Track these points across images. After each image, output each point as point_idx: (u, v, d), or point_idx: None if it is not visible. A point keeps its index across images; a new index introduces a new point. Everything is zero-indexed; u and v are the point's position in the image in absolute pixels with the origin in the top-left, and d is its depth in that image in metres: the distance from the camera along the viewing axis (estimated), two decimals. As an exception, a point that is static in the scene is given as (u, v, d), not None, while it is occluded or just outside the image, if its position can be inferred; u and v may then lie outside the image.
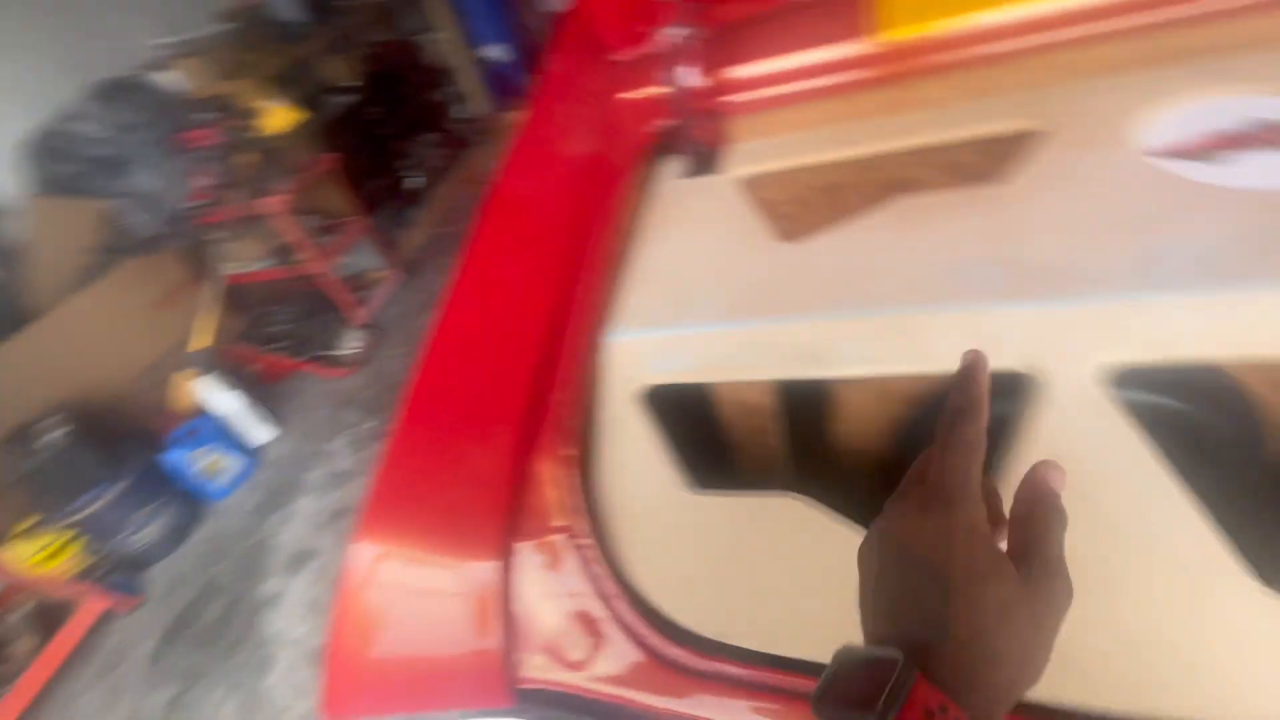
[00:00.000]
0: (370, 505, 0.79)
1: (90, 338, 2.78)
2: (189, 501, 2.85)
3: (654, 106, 1.06)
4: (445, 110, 4.90)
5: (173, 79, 3.15)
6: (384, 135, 4.48)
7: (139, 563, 2.70)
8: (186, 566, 2.70)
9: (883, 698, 0.34)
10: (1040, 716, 0.54)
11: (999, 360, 0.68)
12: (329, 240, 3.41)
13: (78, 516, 2.42)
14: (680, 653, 0.68)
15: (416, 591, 0.75)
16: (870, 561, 0.42)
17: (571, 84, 1.21)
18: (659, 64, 0.97)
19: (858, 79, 1.00)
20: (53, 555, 2.51)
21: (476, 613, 0.72)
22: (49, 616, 2.48)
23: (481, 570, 0.72)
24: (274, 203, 2.94)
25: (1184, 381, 0.70)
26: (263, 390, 3.23)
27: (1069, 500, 0.41)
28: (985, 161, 0.92)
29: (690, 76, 0.97)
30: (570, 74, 1.23)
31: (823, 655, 0.64)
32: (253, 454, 3.07)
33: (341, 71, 4.22)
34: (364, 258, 3.78)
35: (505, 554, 0.74)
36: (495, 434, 0.80)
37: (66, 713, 2.29)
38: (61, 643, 2.36)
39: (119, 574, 2.65)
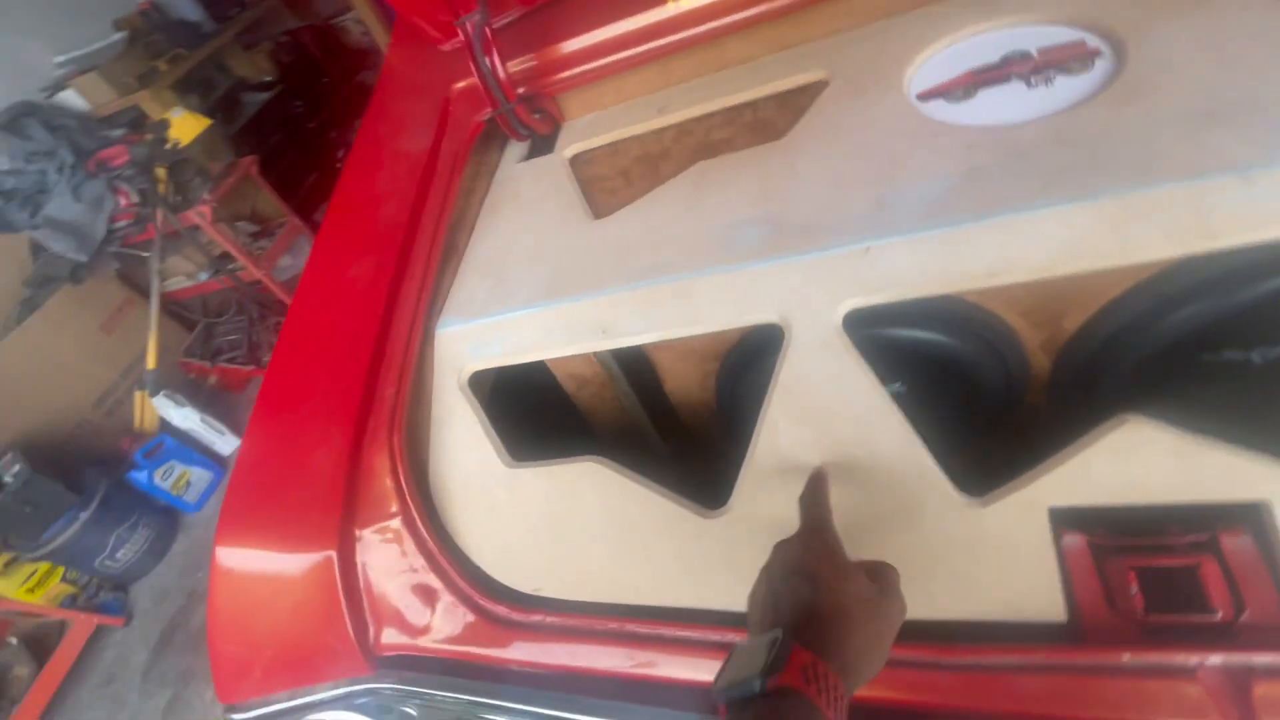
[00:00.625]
0: (226, 510, 0.86)
1: (37, 371, 2.81)
2: (164, 517, 2.94)
3: (483, 95, 1.08)
4: (373, 93, 4.79)
5: (77, 97, 3.08)
6: (313, 127, 4.40)
7: (122, 581, 2.80)
8: (170, 579, 2.81)
9: (768, 660, 0.45)
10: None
11: (759, 314, 0.74)
12: (265, 244, 3.40)
13: (51, 547, 2.50)
14: (503, 609, 0.76)
15: (275, 584, 0.83)
16: (760, 583, 0.55)
17: (407, 76, 1.23)
18: (466, 53, 0.99)
19: (667, 44, 1.02)
20: (38, 585, 2.61)
21: (326, 596, 0.80)
22: (43, 641, 2.60)
23: (323, 559, 0.80)
24: (198, 214, 2.92)
25: (910, 316, 0.76)
26: (226, 400, 3.27)
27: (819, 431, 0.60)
28: (784, 115, 0.96)
29: (494, 63, 1.00)
30: (406, 66, 1.24)
31: (622, 597, 0.73)
32: (222, 463, 3.14)
33: (255, 67, 4.11)
34: (305, 256, 3.77)
35: (346, 542, 0.81)
36: (333, 431, 0.86)
37: (73, 726, 2.43)
38: (58, 664, 2.48)
39: (105, 594, 2.75)
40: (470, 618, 0.77)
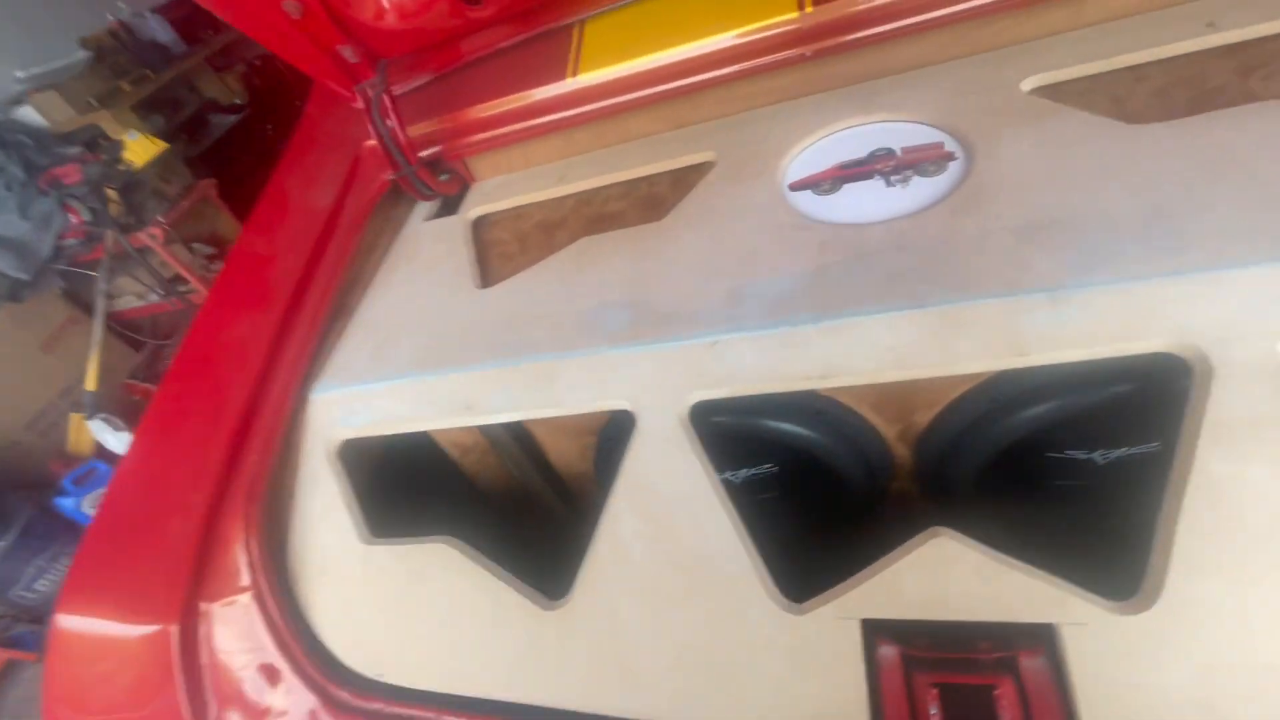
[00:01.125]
0: (70, 579, 0.83)
1: (-32, 391, 2.72)
2: (91, 545, 2.84)
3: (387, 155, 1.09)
4: (346, 119, 4.81)
5: (34, 114, 3.05)
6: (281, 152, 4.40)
7: (40, 614, 2.69)
8: (91, 611, 2.70)
9: None
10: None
11: (612, 400, 0.75)
12: (220, 268, 3.36)
13: (-37, 575, 2.40)
14: (345, 694, 0.74)
15: (113, 657, 0.80)
16: None
17: (323, 129, 1.24)
18: (365, 116, 1.01)
19: (569, 116, 1.04)
20: (-52, 614, 2.50)
21: (164, 673, 0.77)
22: (-51, 676, 2.48)
23: (162, 632, 0.77)
24: (149, 235, 2.89)
25: (768, 408, 0.77)
26: (166, 424, 3.19)
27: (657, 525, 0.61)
28: (675, 192, 0.98)
29: (394, 127, 1.01)
30: (323, 118, 1.25)
31: (461, 688, 0.71)
32: (158, 490, 3.05)
33: (225, 89, 4.12)
34: (264, 280, 3.73)
35: (189, 615, 0.78)
36: (191, 498, 0.84)
37: (-29, 769, 2.30)
38: (-39, 700, 2.36)
39: (20, 627, 2.64)
40: (313, 702, 0.75)
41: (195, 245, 3.38)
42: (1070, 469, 0.78)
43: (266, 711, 0.77)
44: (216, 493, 0.84)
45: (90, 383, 2.99)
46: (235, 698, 0.78)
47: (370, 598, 0.78)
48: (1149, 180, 0.66)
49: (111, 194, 2.88)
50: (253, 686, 0.78)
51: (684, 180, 0.99)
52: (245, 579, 0.80)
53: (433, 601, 0.75)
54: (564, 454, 0.97)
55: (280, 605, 0.78)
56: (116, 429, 2.91)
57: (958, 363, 0.62)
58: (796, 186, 0.86)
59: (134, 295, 3.35)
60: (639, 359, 0.74)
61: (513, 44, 1.08)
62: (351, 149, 1.19)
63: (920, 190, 0.78)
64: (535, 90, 1.05)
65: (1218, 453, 0.53)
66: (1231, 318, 0.56)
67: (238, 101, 4.14)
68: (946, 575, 0.58)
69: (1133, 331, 0.58)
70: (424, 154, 1.10)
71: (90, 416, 2.87)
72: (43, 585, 2.65)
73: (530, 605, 0.70)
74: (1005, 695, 0.54)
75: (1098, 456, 0.76)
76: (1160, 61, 0.80)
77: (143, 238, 2.91)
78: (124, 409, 3.07)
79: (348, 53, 0.98)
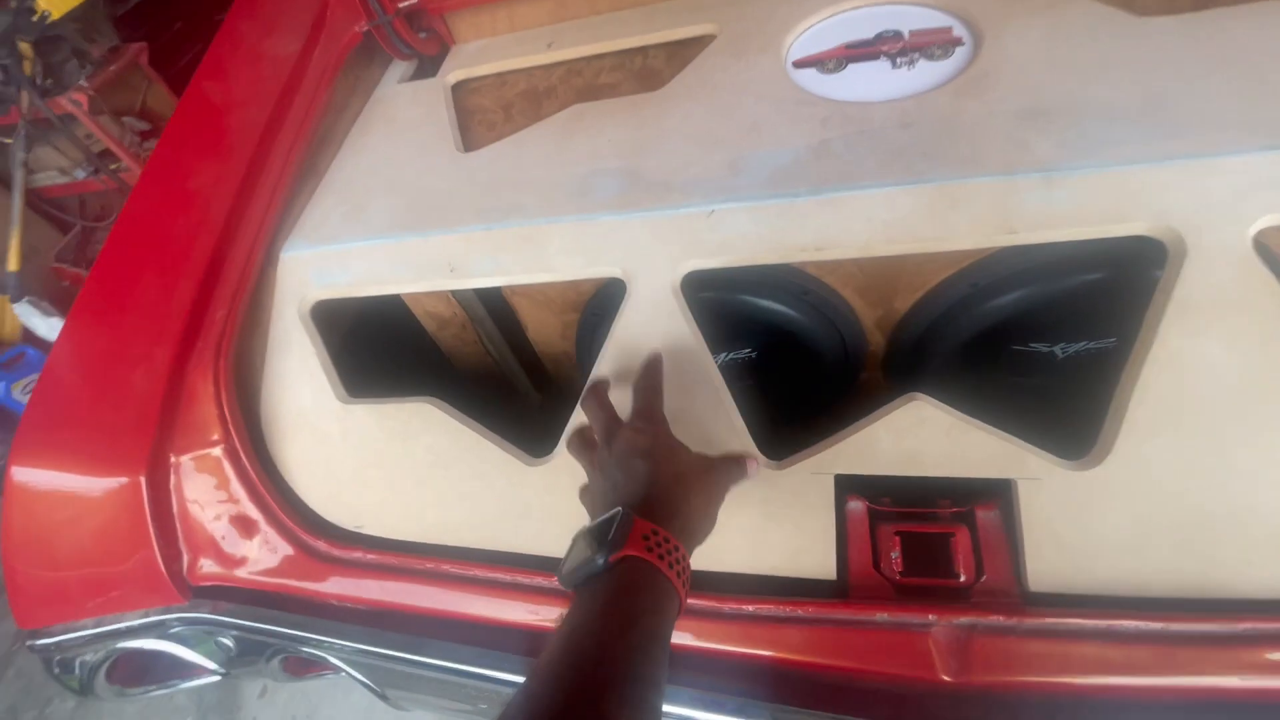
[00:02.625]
0: (22, 432, 0.80)
1: None
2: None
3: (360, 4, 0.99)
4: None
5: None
6: (220, 19, 3.97)
7: (-26, 497, 2.60)
8: (30, 498, 2.62)
9: (611, 535, 0.46)
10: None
11: (603, 267, 0.74)
12: (155, 145, 3.09)
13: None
14: (323, 544, 0.74)
15: (78, 507, 0.78)
16: (595, 479, 0.57)
17: (282, -28, 1.12)
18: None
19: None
20: None
21: (134, 523, 0.76)
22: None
23: (130, 483, 0.76)
24: (71, 101, 2.61)
25: (757, 285, 0.78)
26: (101, 313, 3.00)
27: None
28: (671, 66, 0.93)
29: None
30: (282, -40, 1.13)
31: (441, 538, 0.73)
32: (96, 380, 2.92)
33: (153, -59, 3.64)
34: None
35: (158, 467, 0.77)
36: (154, 350, 0.80)
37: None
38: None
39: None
40: (289, 551, 0.75)
41: (126, 119, 3.08)
42: (1032, 362, 0.82)
43: (243, 560, 0.78)
44: (181, 348, 0.81)
45: (12, 262, 2.77)
46: (209, 548, 0.78)
47: (348, 455, 0.78)
48: (1151, 71, 0.67)
49: (24, 48, 2.56)
50: (227, 538, 0.78)
51: (681, 54, 0.94)
52: (216, 434, 0.78)
53: (415, 458, 0.75)
54: (545, 330, 0.96)
55: (253, 459, 0.77)
56: (46, 313, 2.74)
57: (949, 239, 0.64)
58: (801, 64, 0.84)
59: (58, 171, 3.06)
60: (633, 226, 0.73)
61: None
62: (316, -4, 1.08)
63: (925, 73, 0.77)
64: (526, -60, 0.96)
65: (1178, 328, 0.56)
66: (1212, 203, 0.58)
67: (167, -43, 3.68)
68: (917, 436, 0.61)
69: (1118, 214, 0.60)
70: (401, 6, 1.01)
71: (15, 299, 2.68)
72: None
73: (514, 461, 0.71)
74: (960, 542, 0.59)
75: (1058, 350, 0.80)
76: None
77: (64, 103, 2.62)
78: (53, 293, 2.87)
79: None
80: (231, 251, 0.86)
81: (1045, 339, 0.80)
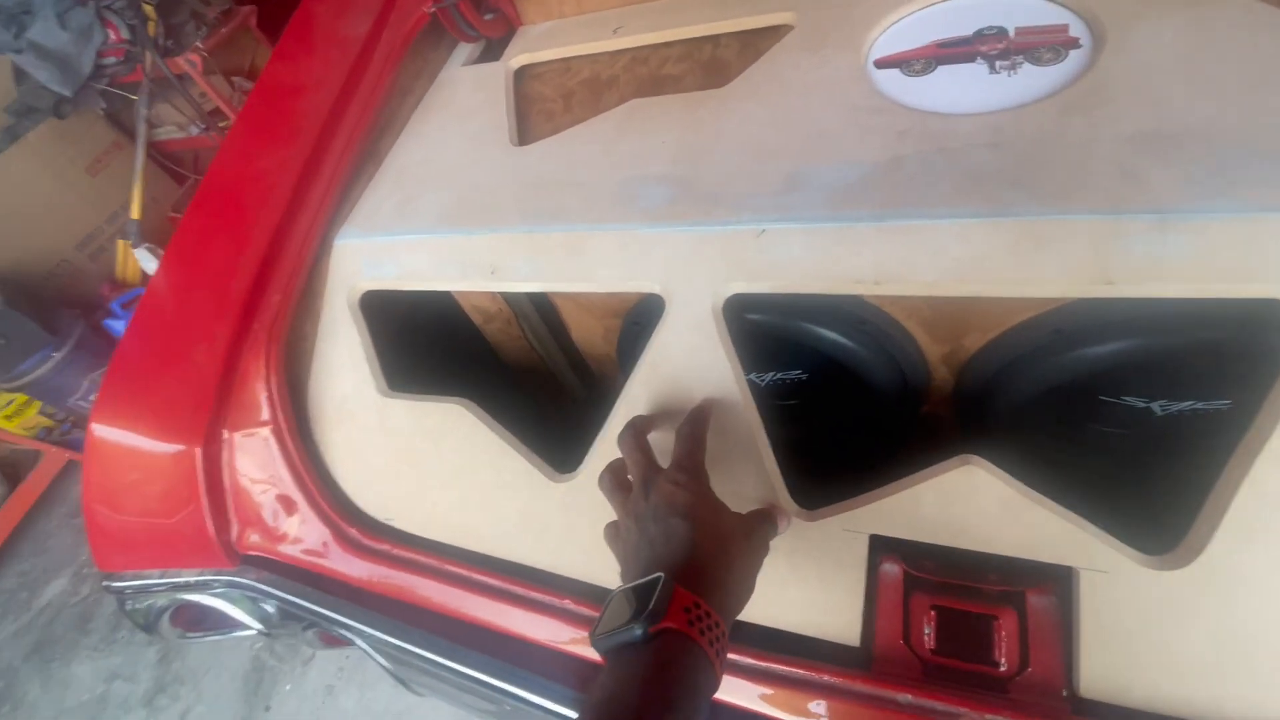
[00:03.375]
0: (104, 391, 0.86)
1: (17, 204, 2.78)
2: (140, 367, 3.00)
3: (433, -18, 0.98)
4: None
5: (67, -88, 2.86)
6: None
7: (96, 421, 2.91)
8: (141, 426, 2.91)
9: (651, 605, 0.43)
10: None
11: (642, 282, 0.70)
12: (260, 105, 3.26)
13: (24, 380, 2.57)
14: (355, 531, 0.77)
15: (145, 468, 0.84)
16: (630, 528, 0.53)
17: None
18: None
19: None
20: (15, 414, 2.71)
21: (190, 490, 0.81)
22: (18, 468, 2.74)
23: (187, 453, 0.80)
24: (188, 62, 2.79)
25: (810, 311, 0.72)
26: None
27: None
28: (742, 59, 0.87)
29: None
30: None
31: (464, 542, 0.73)
32: (200, 324, 3.17)
33: (267, -97, 3.78)
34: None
35: (213, 440, 0.81)
36: (215, 329, 0.84)
37: (42, 548, 2.60)
38: (29, 489, 2.62)
39: (79, 431, 2.86)
40: (325, 533, 0.78)
41: (235, 79, 3.26)
42: (1123, 417, 0.72)
43: (284, 537, 0.82)
44: (239, 327, 0.84)
45: (134, 210, 3.02)
46: (256, 520, 0.83)
47: (383, 447, 0.79)
48: (1316, 92, 0.55)
49: (149, 10, 2.74)
50: (271, 513, 0.82)
51: (754, 45, 0.87)
52: (265, 414, 0.81)
53: (443, 458, 0.75)
54: (587, 333, 0.94)
55: (297, 443, 0.80)
56: (161, 259, 2.98)
57: (1031, 283, 0.55)
58: (883, 63, 0.75)
59: (175, 126, 3.29)
60: (675, 240, 0.69)
61: None
62: (390, -27, 1.07)
63: (1030, 80, 0.67)
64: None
65: (1309, 416, 0.47)
66: (1373, 267, 0.47)
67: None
68: (968, 504, 0.55)
69: (1248, 272, 0.50)
70: (467, -15, 0.98)
71: (136, 245, 2.93)
72: (92, 399, 2.84)
73: (538, 474, 0.70)
74: (1005, 627, 0.53)
75: (1157, 407, 0.70)
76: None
77: (181, 63, 2.80)
78: (168, 241, 3.12)
79: None
80: (290, 235, 0.88)
81: (1142, 393, 0.70)
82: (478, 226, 0.79)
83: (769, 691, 0.56)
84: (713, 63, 0.89)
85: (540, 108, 0.97)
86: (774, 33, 0.86)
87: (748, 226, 0.66)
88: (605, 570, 0.65)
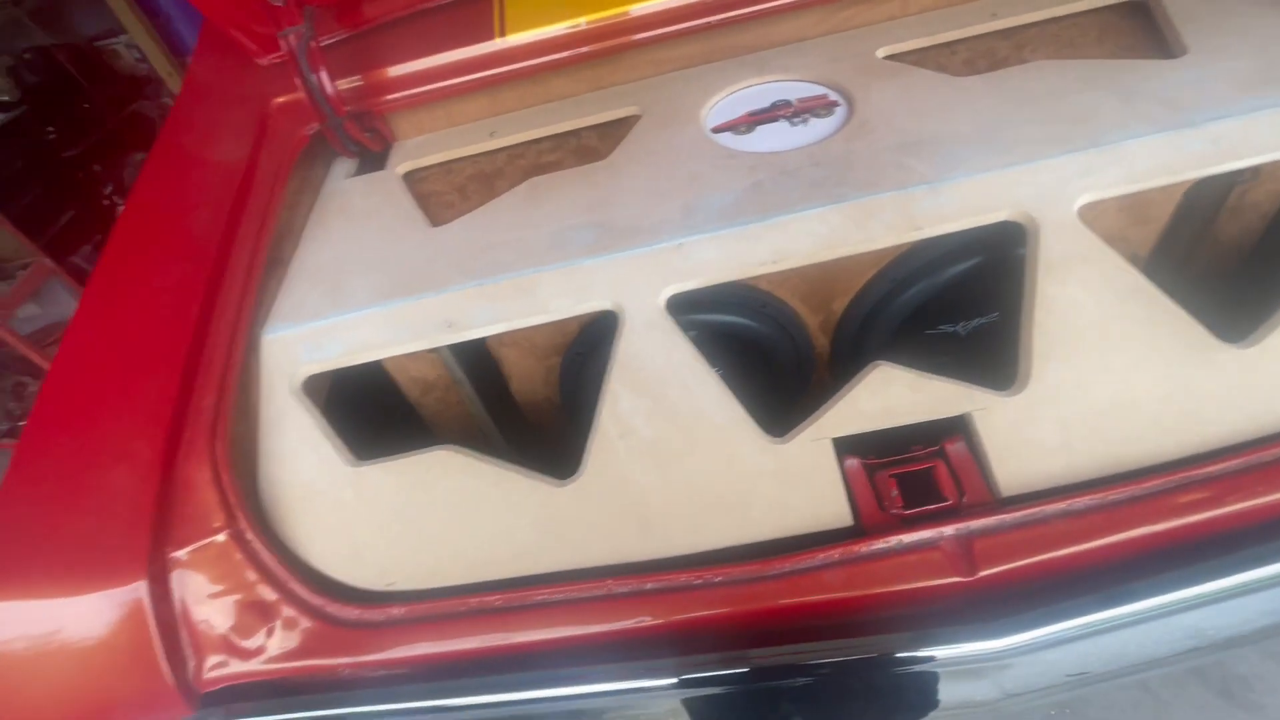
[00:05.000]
0: (-14, 555, 0.72)
1: None
2: None
3: (307, 109, 1.07)
4: (156, 125, 4.24)
5: None
6: (71, 157, 3.77)
7: None
8: None
9: None
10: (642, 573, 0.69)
11: (594, 303, 0.83)
12: (2, 288, 2.81)
13: None
14: (352, 611, 0.73)
15: (61, 634, 0.71)
16: None
17: (217, 88, 1.17)
18: (290, 69, 0.99)
19: (494, 75, 1.11)
20: None
21: (132, 635, 0.70)
22: None
23: (129, 591, 0.71)
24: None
25: (719, 304, 0.91)
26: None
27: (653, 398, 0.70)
28: (604, 143, 1.09)
29: (321, 77, 1.00)
30: (215, 78, 1.18)
31: (480, 575, 0.74)
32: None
33: (-13, 84, 3.45)
34: (61, 304, 3.17)
35: (158, 567, 0.72)
36: (138, 446, 0.77)
37: None
38: None
39: None
40: (313, 626, 0.73)
41: (-40, 264, 2.80)
42: (943, 343, 1.01)
43: (258, 651, 0.74)
44: (169, 440, 0.78)
45: None
46: (218, 645, 0.74)
47: (366, 517, 0.78)
48: (977, 111, 0.91)
49: None
50: (240, 629, 0.74)
51: (612, 133, 1.10)
52: (219, 520, 0.75)
53: (440, 504, 0.77)
54: (528, 380, 1.02)
55: (263, 539, 0.75)
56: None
57: (874, 240, 0.81)
58: (718, 130, 1.02)
59: None
60: (616, 264, 0.84)
61: (436, 5, 1.12)
62: (255, 107, 1.14)
63: (817, 127, 0.97)
64: (463, 49, 1.11)
65: (1049, 281, 0.76)
66: (1045, 192, 0.80)
67: (6, 99, 3.50)
68: (889, 393, 0.75)
69: (988, 207, 0.80)
70: (349, 109, 1.09)
71: None
72: None
73: (542, 485, 0.76)
74: (941, 472, 0.72)
75: (960, 329, 1.00)
76: (964, 40, 1.08)
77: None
78: None
79: (272, -3, 0.96)
80: (210, 340, 0.86)
81: (949, 320, 0.99)
82: (423, 291, 0.87)
83: (802, 583, 0.67)
84: (581, 149, 1.11)
85: (437, 200, 1.08)
86: (626, 122, 1.10)
87: (670, 243, 0.84)
88: (626, 547, 0.72)
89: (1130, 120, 0.83)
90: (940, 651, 0.63)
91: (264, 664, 0.73)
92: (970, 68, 1.05)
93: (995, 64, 1.04)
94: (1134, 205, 0.90)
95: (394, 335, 0.85)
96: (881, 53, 1.07)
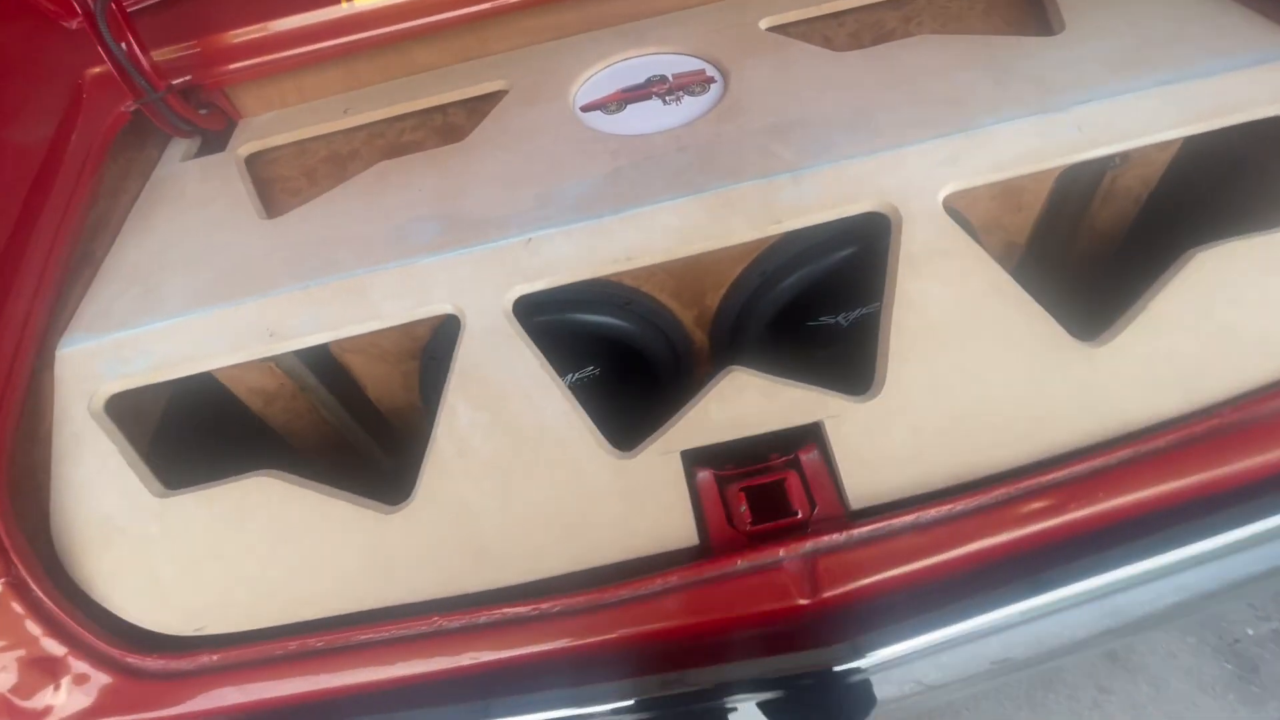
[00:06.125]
0: None
1: None
2: None
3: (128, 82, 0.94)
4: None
5: None
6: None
7: None
8: None
9: None
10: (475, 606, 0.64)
11: (433, 307, 0.76)
12: None
13: None
14: (155, 661, 0.66)
15: None
16: None
17: (17, 53, 1.02)
18: (90, 33, 0.86)
19: (347, 43, 1.00)
20: None
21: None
22: None
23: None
24: None
25: (583, 303, 0.85)
26: None
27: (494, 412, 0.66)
28: (471, 120, 0.99)
29: (131, 46, 0.88)
30: (15, 41, 1.03)
31: (302, 614, 0.68)
32: None
33: None
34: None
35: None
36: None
37: None
38: None
39: None
40: (111, 681, 0.65)
41: None
42: (825, 334, 0.97)
43: (45, 713, 0.66)
44: (-67, 474, 0.68)
45: None
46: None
47: (173, 553, 0.70)
48: (852, 91, 0.85)
49: None
50: (20, 691, 0.65)
51: (479, 109, 1.01)
52: (-7, 566, 0.66)
53: (257, 536, 0.69)
54: (385, 385, 0.94)
55: (48, 586, 0.67)
56: None
57: (732, 234, 0.75)
58: (587, 108, 0.94)
59: None
60: (457, 262, 0.76)
61: (272, -38, 0.99)
62: (69, 77, 1.00)
63: (690, 106, 0.90)
64: (306, 14, 0.99)
65: (908, 277, 0.72)
66: (911, 180, 0.75)
67: None
68: (741, 401, 0.70)
69: (851, 197, 0.75)
70: (175, 82, 0.97)
71: None
72: None
73: (371, 514, 0.69)
74: (792, 484, 0.68)
75: (841, 319, 0.96)
76: (852, 10, 1.02)
77: None
78: None
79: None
80: (-6, 357, 0.75)
81: (830, 312, 0.95)
82: (244, 295, 0.77)
83: (637, 612, 0.63)
84: (446, 127, 1.01)
85: (283, 186, 0.98)
86: (493, 97, 1.01)
87: (517, 238, 0.76)
88: (461, 579, 0.67)
89: (1002, 103, 0.79)
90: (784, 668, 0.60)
91: (54, 725, 0.65)
92: (855, 40, 0.99)
93: (881, 37, 0.99)
94: (1006, 192, 0.87)
95: (209, 346, 0.76)
96: (765, 23, 1.01)
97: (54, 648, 0.66)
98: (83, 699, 0.65)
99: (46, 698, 0.66)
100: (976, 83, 0.83)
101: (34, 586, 0.66)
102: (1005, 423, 0.67)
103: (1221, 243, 0.71)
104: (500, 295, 0.75)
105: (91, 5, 0.86)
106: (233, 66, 1.00)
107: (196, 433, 0.92)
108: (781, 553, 0.63)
